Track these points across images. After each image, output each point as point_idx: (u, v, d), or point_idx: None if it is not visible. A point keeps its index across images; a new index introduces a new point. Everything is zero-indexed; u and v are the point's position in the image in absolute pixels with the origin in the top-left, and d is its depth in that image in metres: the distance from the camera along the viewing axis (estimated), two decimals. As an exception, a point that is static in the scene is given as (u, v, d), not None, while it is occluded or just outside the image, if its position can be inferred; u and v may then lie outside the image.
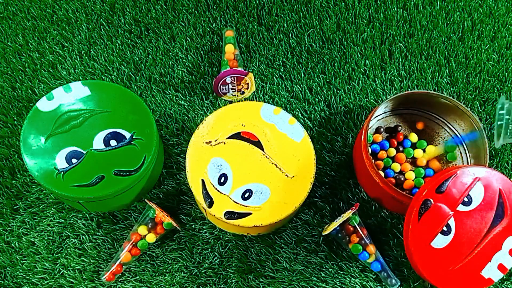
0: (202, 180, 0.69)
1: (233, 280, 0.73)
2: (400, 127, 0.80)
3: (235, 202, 0.69)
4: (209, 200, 0.68)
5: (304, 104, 0.84)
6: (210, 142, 0.71)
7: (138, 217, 0.75)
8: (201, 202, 0.69)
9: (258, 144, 0.72)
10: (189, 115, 0.83)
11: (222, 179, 0.69)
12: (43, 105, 0.72)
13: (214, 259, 0.75)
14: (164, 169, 0.79)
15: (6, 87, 0.84)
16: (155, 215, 0.72)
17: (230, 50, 0.84)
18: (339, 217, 0.74)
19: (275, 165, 0.70)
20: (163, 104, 0.83)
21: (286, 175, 0.70)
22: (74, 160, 0.69)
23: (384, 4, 0.92)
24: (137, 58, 0.86)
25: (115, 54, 0.86)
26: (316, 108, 0.84)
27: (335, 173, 0.80)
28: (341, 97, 0.85)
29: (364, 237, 0.73)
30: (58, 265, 0.73)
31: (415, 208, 0.66)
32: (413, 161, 0.80)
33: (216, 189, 0.69)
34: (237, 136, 0.72)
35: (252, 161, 0.71)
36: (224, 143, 0.71)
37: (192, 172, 0.70)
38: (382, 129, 0.81)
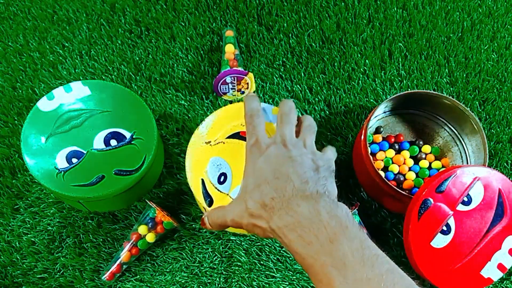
0: (202, 180, 0.69)
1: (233, 280, 0.73)
2: (381, 128, 0.81)
3: (235, 201, 0.68)
4: (209, 199, 0.68)
5: (304, 104, 0.85)
6: (210, 142, 0.71)
7: (138, 217, 0.75)
8: (201, 202, 0.69)
9: (258, 144, 0.71)
10: (189, 115, 0.83)
11: (222, 178, 0.69)
12: (44, 104, 0.72)
13: (215, 258, 0.75)
14: (164, 168, 0.79)
15: (7, 87, 0.84)
16: (155, 214, 0.72)
17: (230, 50, 0.84)
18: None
19: (275, 164, 0.70)
20: (163, 104, 0.83)
21: (286, 174, 0.70)
22: (74, 160, 0.70)
23: (384, 4, 0.92)
24: (137, 58, 0.86)
25: (115, 54, 0.86)
26: (316, 108, 0.84)
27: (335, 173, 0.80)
28: (341, 97, 0.85)
29: (364, 237, 0.73)
30: (58, 264, 0.73)
31: (414, 207, 0.66)
32: (415, 161, 0.80)
33: (216, 188, 0.69)
34: (236, 135, 0.72)
35: (252, 160, 0.70)
36: (224, 143, 0.71)
37: (192, 172, 0.70)
38: (382, 129, 0.81)
